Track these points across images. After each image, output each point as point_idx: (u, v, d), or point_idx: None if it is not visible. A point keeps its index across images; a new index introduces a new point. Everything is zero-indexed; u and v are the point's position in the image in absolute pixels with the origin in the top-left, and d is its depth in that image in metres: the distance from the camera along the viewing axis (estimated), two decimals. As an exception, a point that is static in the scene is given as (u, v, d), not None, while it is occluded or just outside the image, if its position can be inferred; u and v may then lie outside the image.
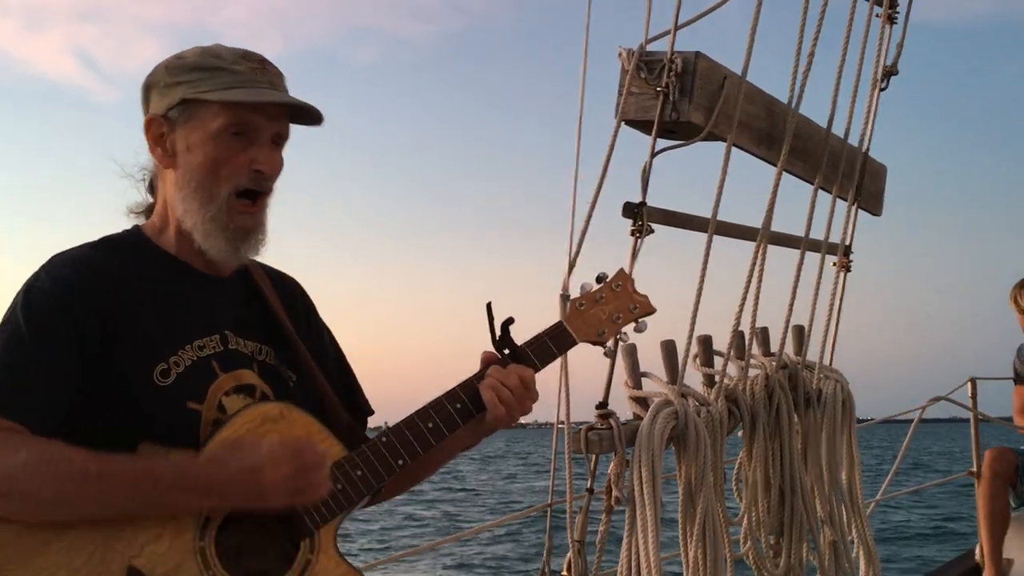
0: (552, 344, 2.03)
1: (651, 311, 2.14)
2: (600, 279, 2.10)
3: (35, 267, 1.81)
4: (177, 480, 1.67)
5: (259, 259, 1.97)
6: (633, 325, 2.12)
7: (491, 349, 1.99)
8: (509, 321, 1.98)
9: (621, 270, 2.13)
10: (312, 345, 2.02)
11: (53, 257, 1.82)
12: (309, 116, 1.90)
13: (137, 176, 1.94)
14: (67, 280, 1.76)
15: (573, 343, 2.06)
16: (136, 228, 1.92)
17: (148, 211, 1.94)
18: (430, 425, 1.89)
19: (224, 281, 1.92)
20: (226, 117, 1.79)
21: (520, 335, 2.01)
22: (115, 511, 1.65)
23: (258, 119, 1.81)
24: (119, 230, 1.93)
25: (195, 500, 1.69)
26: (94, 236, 1.90)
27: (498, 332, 1.98)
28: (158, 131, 1.83)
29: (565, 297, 2.10)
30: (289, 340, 1.95)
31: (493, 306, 1.98)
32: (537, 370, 2.00)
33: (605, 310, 2.08)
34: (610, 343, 2.17)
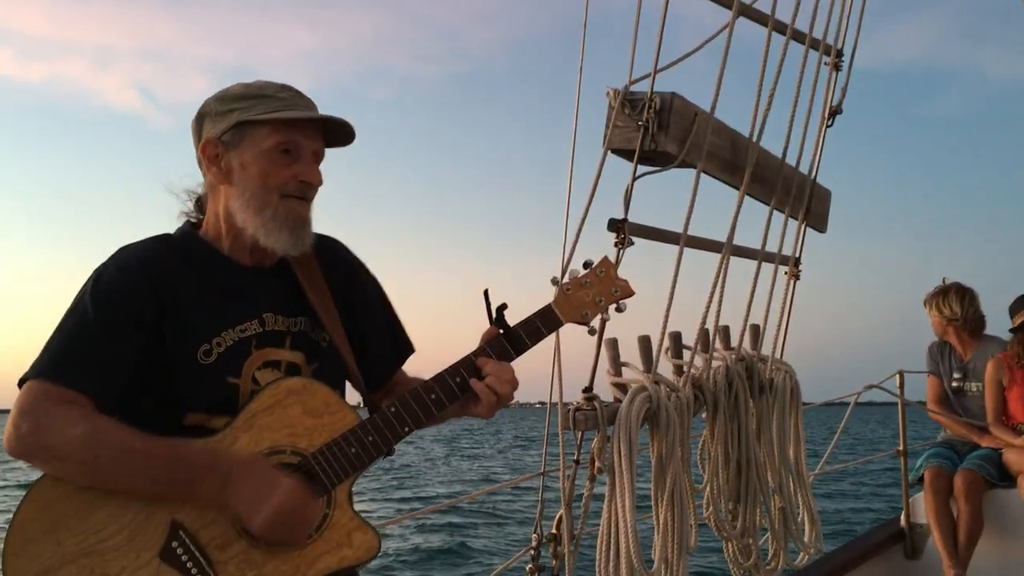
0: (541, 324, 1.97)
1: (630, 293, 2.07)
2: (586, 265, 2.05)
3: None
4: (204, 470, 1.66)
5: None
6: (614, 306, 2.05)
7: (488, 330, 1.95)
8: (503, 306, 1.94)
9: (605, 257, 2.07)
10: (357, 300, 1.99)
11: (120, 249, 1.81)
12: (342, 136, 1.89)
13: (182, 196, 1.93)
14: (131, 269, 1.75)
15: (560, 324, 1.99)
16: (189, 227, 1.90)
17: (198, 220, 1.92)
18: (433, 396, 1.86)
19: (265, 271, 1.90)
20: (276, 136, 1.79)
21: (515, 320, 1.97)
22: (151, 484, 1.65)
23: (301, 138, 1.81)
24: (175, 230, 1.91)
25: (215, 488, 1.67)
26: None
27: (494, 315, 1.94)
28: (213, 152, 1.83)
29: (555, 281, 2.01)
30: (316, 312, 1.91)
31: (490, 293, 1.94)
32: (528, 347, 1.95)
33: (589, 293, 2.02)
34: (594, 323, 2.08)
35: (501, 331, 1.94)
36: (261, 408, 1.74)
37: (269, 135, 1.79)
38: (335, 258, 2.03)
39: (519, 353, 1.95)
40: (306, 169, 1.82)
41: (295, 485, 1.70)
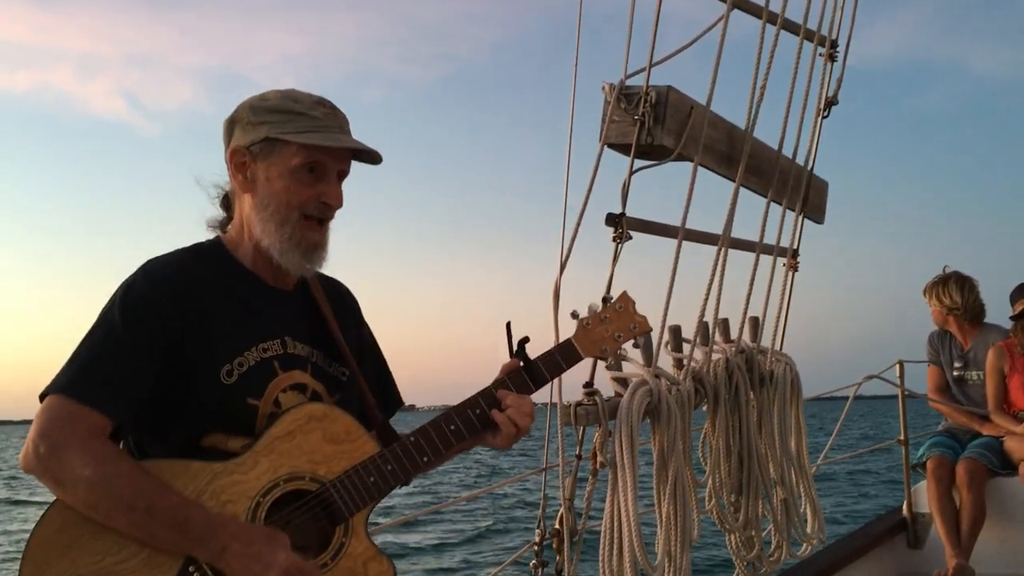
0: (561, 359, 2.00)
1: (648, 330, 2.10)
2: (605, 301, 2.08)
3: (97, 287, 1.79)
4: (203, 537, 1.63)
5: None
6: (632, 342, 2.08)
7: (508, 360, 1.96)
8: (525, 340, 1.96)
9: (624, 293, 2.08)
10: (355, 344, 2.00)
11: (150, 260, 1.80)
12: (369, 156, 1.88)
13: (211, 192, 1.93)
14: (161, 283, 1.74)
15: (580, 359, 2.02)
16: (218, 239, 1.90)
17: (222, 224, 1.92)
18: (452, 428, 1.88)
19: (287, 293, 1.90)
20: (303, 157, 1.79)
21: (516, 326, 1.98)
22: (148, 540, 1.63)
23: (327, 159, 1.81)
24: (204, 239, 1.90)
25: (210, 557, 1.64)
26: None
27: (515, 348, 1.96)
28: (240, 160, 1.83)
29: (575, 315, 2.03)
30: (337, 344, 1.93)
31: (511, 325, 1.96)
32: (547, 382, 1.98)
33: (608, 329, 2.04)
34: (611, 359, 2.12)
35: (521, 364, 1.96)
36: (282, 433, 1.73)
37: (296, 154, 1.78)
38: (342, 298, 2.05)
39: (538, 387, 1.97)
40: (329, 190, 1.82)
41: (292, 559, 1.66)
